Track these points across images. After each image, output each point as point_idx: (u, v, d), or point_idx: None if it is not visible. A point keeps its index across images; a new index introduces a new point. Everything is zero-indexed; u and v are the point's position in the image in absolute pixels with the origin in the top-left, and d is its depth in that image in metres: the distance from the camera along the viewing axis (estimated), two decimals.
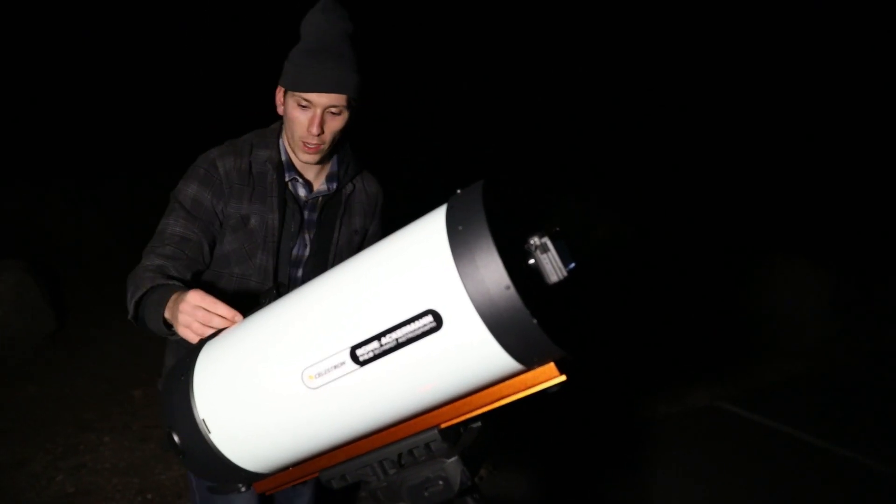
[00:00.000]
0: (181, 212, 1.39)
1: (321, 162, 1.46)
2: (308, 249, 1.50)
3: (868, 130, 7.80)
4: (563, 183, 6.93)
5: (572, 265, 0.67)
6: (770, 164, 7.74)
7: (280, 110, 1.44)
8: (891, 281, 5.40)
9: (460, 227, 0.63)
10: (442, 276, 0.62)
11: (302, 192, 1.48)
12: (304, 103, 1.34)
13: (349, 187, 1.54)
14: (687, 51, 8.85)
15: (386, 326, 0.65)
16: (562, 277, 0.65)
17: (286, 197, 1.46)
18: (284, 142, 1.47)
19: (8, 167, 6.63)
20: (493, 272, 0.60)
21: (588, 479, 3.12)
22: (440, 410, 0.73)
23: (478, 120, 8.72)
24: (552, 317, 0.65)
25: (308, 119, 1.35)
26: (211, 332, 0.97)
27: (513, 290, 0.60)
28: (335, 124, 1.38)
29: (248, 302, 1.00)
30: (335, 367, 0.69)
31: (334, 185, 1.50)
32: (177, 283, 1.25)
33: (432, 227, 0.66)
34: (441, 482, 0.74)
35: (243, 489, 0.90)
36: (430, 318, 0.63)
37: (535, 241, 0.65)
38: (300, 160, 1.44)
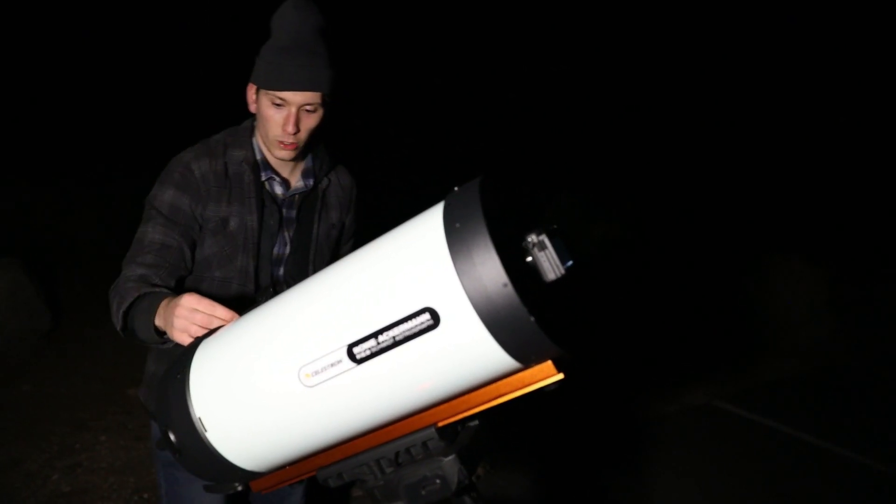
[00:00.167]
0: (159, 218, 1.36)
1: (297, 159, 1.45)
2: (288, 247, 1.49)
3: (866, 130, 7.81)
4: (558, 181, 6.94)
5: (570, 263, 0.67)
6: (769, 163, 7.75)
7: (252, 108, 1.42)
8: (890, 280, 5.42)
9: (458, 225, 0.62)
10: (439, 274, 0.62)
11: (279, 190, 1.46)
12: (278, 101, 1.33)
13: (325, 182, 1.54)
14: (685, 49, 8.86)
15: (383, 324, 0.65)
16: (559, 275, 0.65)
17: (264, 196, 1.44)
18: (258, 140, 1.45)
19: (4, 166, 6.61)
20: (491, 270, 0.60)
21: (585, 477, 3.12)
22: (437, 409, 0.72)
23: (471, 117, 8.72)
24: (550, 315, 0.65)
25: (283, 118, 1.34)
26: (203, 331, 0.97)
27: (510, 287, 0.59)
28: (310, 122, 1.37)
29: (230, 305, 0.99)
30: (332, 364, 0.68)
31: (311, 182, 1.49)
32: (164, 289, 1.24)
33: (429, 224, 0.65)
34: (438, 481, 0.73)
35: (240, 488, 0.89)
36: (427, 315, 0.62)
37: (532, 238, 0.65)
38: (276, 158, 1.42)
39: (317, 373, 0.70)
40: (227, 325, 0.94)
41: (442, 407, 0.72)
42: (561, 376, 0.67)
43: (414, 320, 0.63)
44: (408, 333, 0.64)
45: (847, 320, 5.23)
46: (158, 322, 1.12)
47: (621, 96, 8.94)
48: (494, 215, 0.64)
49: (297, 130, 1.35)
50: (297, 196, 1.48)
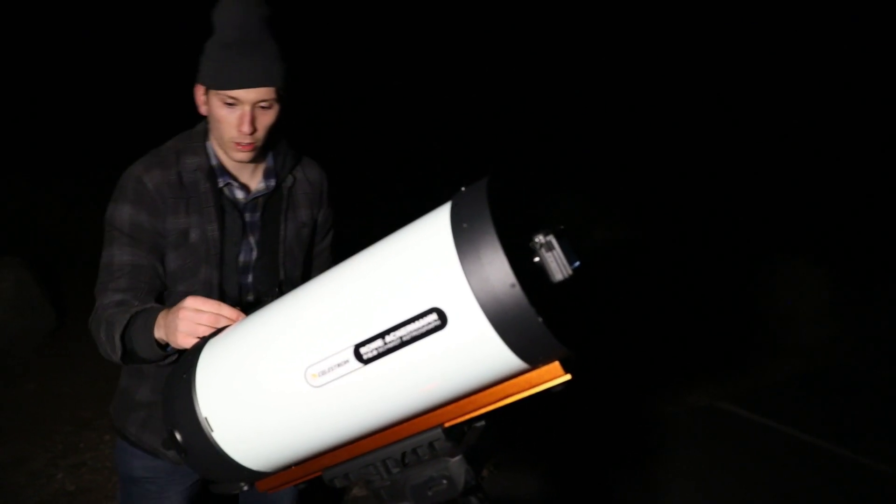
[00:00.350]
0: (123, 238, 1.30)
1: (256, 160, 1.38)
2: (255, 253, 1.42)
3: (867, 130, 7.79)
4: (561, 182, 6.93)
5: (577, 263, 0.67)
6: (772, 163, 7.74)
7: (203, 110, 1.34)
8: (892, 281, 5.40)
9: (465, 225, 0.62)
10: (446, 274, 0.62)
11: (240, 194, 1.38)
12: (230, 101, 1.25)
13: (289, 180, 1.45)
14: (690, 49, 8.84)
15: (390, 324, 0.65)
16: (567, 276, 0.65)
17: (223, 204, 1.36)
18: (212, 144, 1.37)
19: (9, 166, 6.63)
20: (499, 270, 0.60)
21: (589, 478, 3.12)
22: (444, 409, 0.72)
23: (472, 119, 8.72)
24: (557, 315, 0.65)
25: (237, 118, 1.26)
26: (210, 331, 0.97)
27: (518, 288, 0.59)
28: (267, 119, 1.30)
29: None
30: (339, 365, 0.68)
31: (273, 182, 1.41)
32: (155, 305, 1.21)
33: (437, 224, 0.65)
34: (445, 481, 0.73)
35: (245, 488, 0.89)
36: (434, 315, 0.62)
37: (539, 238, 0.65)
38: (233, 160, 1.35)
39: (323, 373, 0.70)
40: (233, 324, 0.94)
41: (448, 407, 0.72)
42: (568, 377, 0.67)
43: (421, 320, 0.63)
44: (415, 334, 0.64)
45: (850, 321, 5.22)
46: (159, 334, 1.10)
47: (623, 96, 8.93)
48: (501, 216, 0.64)
49: (254, 130, 1.27)
50: (259, 199, 1.40)
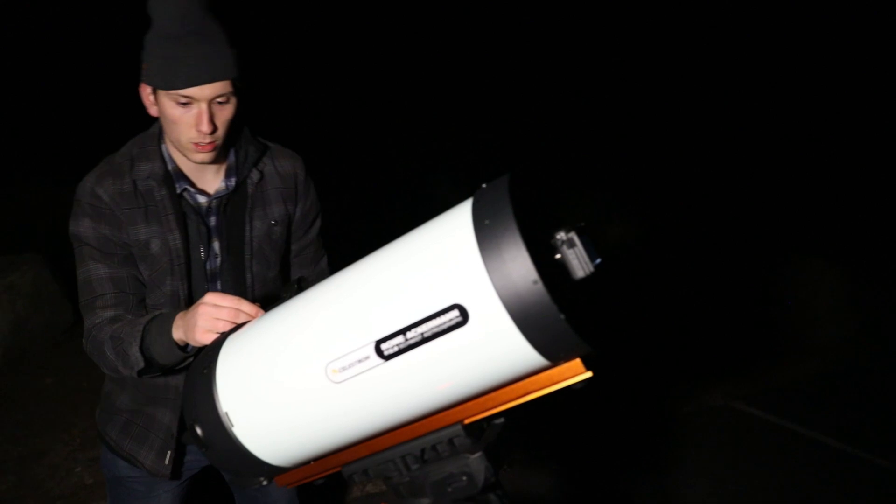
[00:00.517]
0: (94, 253, 1.25)
1: (218, 159, 1.29)
2: (219, 258, 1.34)
3: (888, 128, 7.67)
4: (576, 181, 6.90)
5: (598, 260, 0.67)
6: (791, 161, 7.65)
7: (153, 111, 1.24)
8: None
9: (487, 222, 0.62)
10: (468, 271, 0.61)
11: (202, 198, 1.30)
12: (184, 100, 1.16)
13: (255, 176, 1.35)
14: (708, 49, 8.76)
15: (411, 321, 0.65)
16: (588, 273, 0.65)
17: (184, 210, 1.29)
18: (167, 147, 1.29)
19: (27, 164, 6.72)
20: (521, 267, 0.59)
21: (603, 476, 3.10)
22: (464, 406, 0.72)
23: (490, 118, 8.70)
24: (578, 312, 0.65)
25: (193, 117, 1.17)
26: (230, 326, 0.97)
27: (540, 284, 0.59)
28: (226, 114, 1.21)
29: None
30: (359, 361, 0.68)
31: (233, 181, 1.32)
32: (164, 311, 1.19)
33: (458, 221, 0.65)
34: (465, 478, 0.73)
35: (265, 482, 0.90)
36: (456, 312, 0.62)
37: (561, 235, 0.65)
38: (193, 162, 1.26)
39: (344, 369, 0.70)
40: (253, 320, 0.95)
41: (469, 404, 0.72)
42: (589, 374, 0.67)
43: (442, 317, 0.63)
44: (436, 330, 0.64)
45: (868, 321, 5.14)
46: (178, 335, 1.09)
47: (640, 94, 8.87)
48: (523, 212, 0.64)
49: (214, 128, 1.19)
50: (220, 200, 1.32)
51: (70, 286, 4.86)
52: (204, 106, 1.17)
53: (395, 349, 0.66)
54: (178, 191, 1.29)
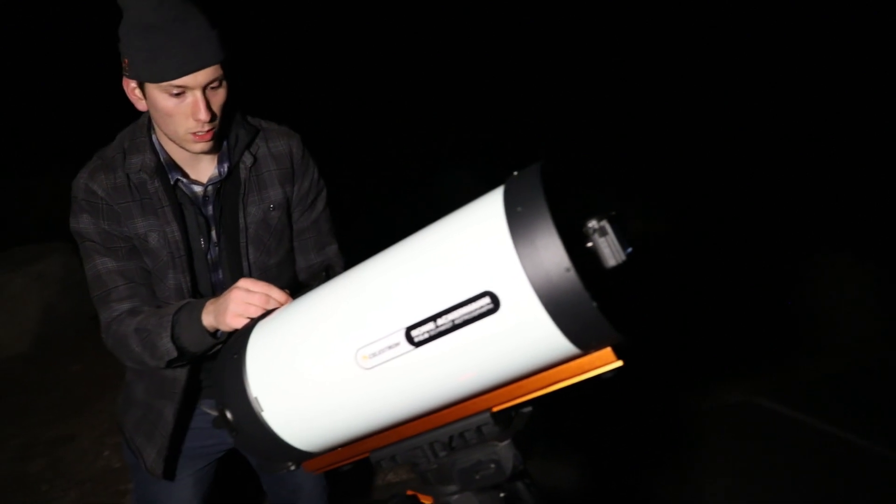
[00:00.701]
0: (98, 248, 1.25)
1: (217, 148, 1.27)
2: (218, 247, 1.33)
3: None
4: (598, 175, 6.84)
5: (629, 249, 0.66)
6: (815, 156, 7.50)
7: (141, 106, 1.21)
8: None
9: (519, 209, 0.62)
10: (500, 258, 0.61)
11: (197, 188, 1.29)
12: (177, 91, 1.13)
13: (248, 160, 1.31)
14: (733, 44, 8.61)
15: (442, 308, 0.65)
16: (620, 261, 0.65)
17: (180, 200, 1.27)
18: (157, 137, 1.26)
19: (58, 155, 6.85)
20: (554, 254, 0.59)
21: (621, 470, 3.09)
22: (493, 393, 0.72)
23: (505, 113, 8.66)
24: (608, 301, 0.64)
25: (189, 107, 1.14)
26: (261, 312, 0.98)
27: (573, 272, 0.59)
28: (220, 98, 1.18)
29: None
30: (389, 347, 0.69)
31: (226, 167, 1.29)
32: (190, 300, 1.19)
33: (490, 208, 0.65)
34: (493, 465, 0.74)
35: (293, 468, 0.91)
36: (487, 299, 0.62)
37: (593, 224, 0.64)
38: (193, 153, 1.24)
39: (374, 355, 0.70)
40: (283, 307, 0.96)
41: (498, 392, 0.72)
42: (620, 363, 0.67)
43: (473, 304, 0.63)
44: (467, 317, 0.64)
45: (892, 318, 5.04)
46: (208, 321, 1.09)
47: (661, 88, 8.76)
48: (555, 200, 0.63)
49: (212, 115, 1.16)
50: (213, 187, 1.29)
51: None
52: (199, 94, 1.14)
53: (426, 336, 0.66)
54: (172, 181, 1.27)
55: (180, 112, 1.15)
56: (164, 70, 1.10)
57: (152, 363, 1.20)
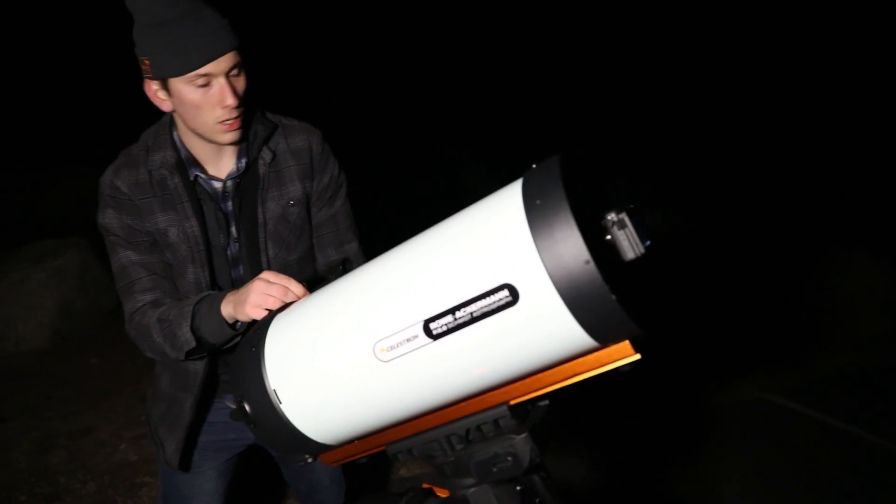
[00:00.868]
0: (122, 242, 1.28)
1: (244, 138, 1.28)
2: (238, 243, 1.34)
3: None
4: (613, 169, 6.80)
5: (648, 242, 0.66)
6: (834, 152, 7.40)
7: (166, 107, 1.23)
8: None
9: (538, 201, 0.62)
10: (519, 250, 0.61)
11: (216, 184, 1.30)
12: (202, 81, 1.15)
13: (266, 155, 1.32)
14: (750, 39, 8.51)
15: (460, 300, 0.65)
16: (639, 254, 0.64)
17: (199, 196, 1.29)
18: (178, 135, 1.29)
19: (75, 152, 6.93)
20: (573, 246, 0.59)
21: (635, 466, 3.08)
22: (510, 386, 0.72)
23: (513, 108, 8.64)
24: (627, 294, 0.64)
25: (217, 94, 1.16)
26: (280, 304, 0.99)
27: (592, 264, 0.59)
28: (242, 84, 1.21)
29: None
30: (408, 340, 0.69)
31: (244, 162, 1.31)
32: (211, 292, 1.21)
33: (508, 200, 0.65)
34: (510, 458, 0.73)
35: (310, 460, 0.91)
36: (506, 292, 0.62)
37: (612, 216, 0.64)
38: (221, 143, 1.25)
39: (392, 348, 0.71)
40: (301, 300, 0.96)
41: (515, 385, 0.72)
42: (638, 357, 0.66)
43: (492, 296, 0.63)
44: (485, 310, 0.64)
45: None
46: (227, 310, 1.11)
47: (678, 82, 8.68)
48: (573, 193, 0.63)
49: (239, 100, 1.19)
50: (231, 183, 1.31)
51: None
52: (223, 80, 1.16)
53: (444, 329, 0.66)
54: (191, 177, 1.29)
55: (208, 102, 1.17)
56: (188, 61, 1.13)
57: (172, 354, 1.21)
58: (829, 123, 7.74)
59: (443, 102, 8.64)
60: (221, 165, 1.32)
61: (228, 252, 1.35)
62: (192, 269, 1.30)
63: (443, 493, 0.86)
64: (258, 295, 1.02)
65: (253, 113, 1.32)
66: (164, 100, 1.23)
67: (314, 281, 1.39)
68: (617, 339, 0.65)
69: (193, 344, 1.17)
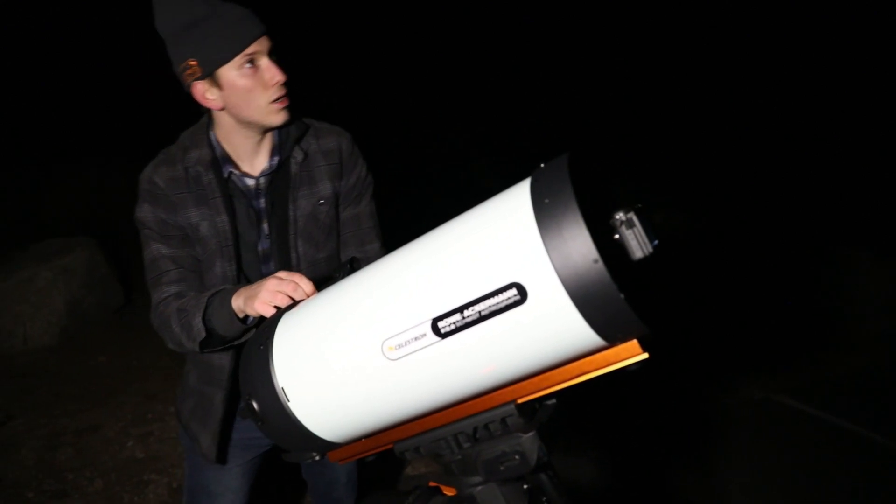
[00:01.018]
0: (155, 235, 1.33)
1: (291, 121, 1.33)
2: (269, 239, 1.38)
3: None
4: (618, 169, 6.79)
5: (656, 241, 0.66)
6: (837, 152, 7.37)
7: (215, 105, 1.28)
8: None
9: (546, 200, 0.62)
10: (528, 249, 0.61)
11: (249, 181, 1.35)
12: (249, 64, 1.22)
13: (298, 155, 1.37)
14: (756, 39, 8.48)
15: (469, 299, 0.65)
16: (647, 253, 0.64)
17: (231, 192, 1.34)
18: (214, 135, 1.35)
19: (81, 151, 6.97)
20: (581, 245, 0.59)
21: (641, 466, 3.08)
22: (518, 385, 0.72)
23: (516, 109, 8.63)
24: (635, 293, 0.64)
25: (266, 73, 1.23)
26: (289, 301, 1.00)
27: (601, 263, 0.59)
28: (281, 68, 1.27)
29: None
30: (416, 338, 0.69)
31: (276, 160, 1.35)
32: (227, 286, 1.24)
33: (517, 199, 0.65)
34: (517, 457, 0.74)
35: (318, 457, 0.92)
36: (514, 290, 0.62)
37: (620, 216, 0.64)
38: (273, 126, 1.30)
39: (400, 346, 0.71)
40: (309, 298, 0.97)
41: (523, 383, 0.72)
42: (646, 356, 0.67)
43: (500, 295, 0.63)
44: (493, 308, 0.64)
45: None
46: (237, 303, 1.13)
47: (683, 83, 8.65)
48: (582, 192, 0.63)
49: (286, 74, 1.25)
50: (263, 180, 1.36)
51: (121, 268, 5.05)
52: (267, 60, 1.24)
53: (452, 327, 0.67)
54: (225, 175, 1.34)
55: (258, 84, 1.23)
56: (235, 43, 1.20)
57: (188, 345, 1.24)
58: (832, 123, 7.71)
59: (443, 103, 8.64)
60: (256, 163, 1.37)
61: (259, 248, 1.39)
62: (220, 262, 1.34)
63: (450, 492, 0.86)
64: (268, 291, 1.04)
65: (295, 100, 1.35)
66: (213, 99, 1.28)
67: (322, 280, 1.41)
68: (625, 338, 0.65)
69: (204, 334, 1.20)
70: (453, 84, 8.92)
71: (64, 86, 7.91)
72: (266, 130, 1.34)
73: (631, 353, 0.66)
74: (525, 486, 0.81)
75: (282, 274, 1.05)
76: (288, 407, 0.83)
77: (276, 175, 1.37)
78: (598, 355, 0.67)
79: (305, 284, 1.02)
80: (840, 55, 8.22)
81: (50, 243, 4.75)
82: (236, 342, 1.24)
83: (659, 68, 8.83)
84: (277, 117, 1.28)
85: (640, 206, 0.66)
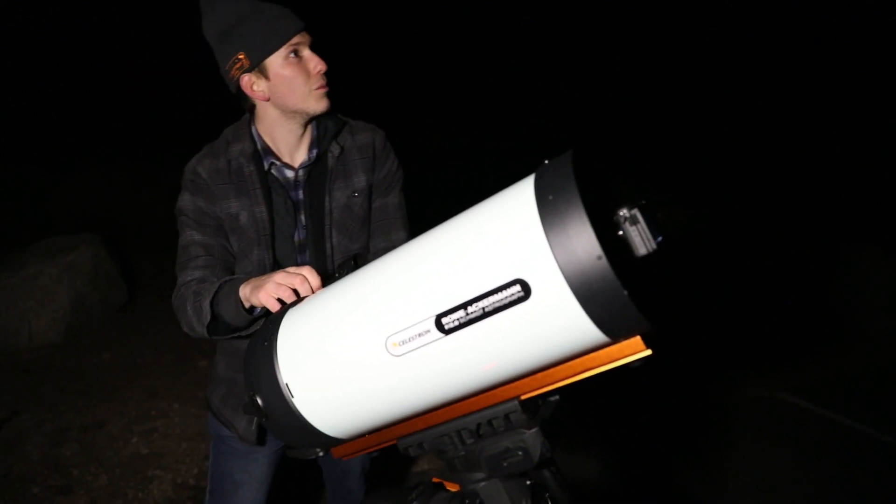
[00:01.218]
0: (191, 223, 1.39)
1: (332, 110, 1.40)
2: (305, 230, 1.44)
3: None
4: (622, 167, 6.78)
5: (660, 238, 0.66)
6: (843, 150, 7.34)
7: (261, 95, 1.36)
8: None
9: (550, 197, 0.62)
10: (532, 246, 0.61)
11: (289, 173, 1.42)
12: (294, 55, 1.31)
13: (335, 149, 1.44)
14: (761, 39, 8.44)
15: (472, 295, 0.65)
16: (651, 250, 0.64)
17: (270, 184, 1.41)
18: (256, 129, 1.42)
19: (86, 150, 6.98)
20: (585, 242, 0.59)
21: (644, 464, 3.08)
22: (521, 381, 0.72)
23: (520, 107, 8.61)
24: (638, 290, 0.64)
25: (309, 62, 1.33)
26: (294, 297, 1.00)
27: (605, 260, 0.59)
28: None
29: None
30: (419, 334, 0.69)
31: (314, 153, 1.43)
32: (240, 275, 1.29)
33: (521, 196, 0.65)
34: (520, 453, 0.74)
35: (321, 453, 0.92)
36: (518, 287, 0.62)
37: (624, 212, 0.64)
38: (317, 112, 1.37)
39: (404, 342, 0.71)
40: (314, 294, 0.97)
41: (526, 380, 0.72)
42: (649, 352, 0.67)
43: (504, 292, 0.63)
44: (497, 305, 0.64)
45: None
46: (244, 292, 1.15)
47: (688, 81, 8.62)
48: (586, 189, 0.63)
49: (326, 63, 1.34)
50: (301, 172, 1.43)
51: (125, 266, 5.07)
52: (309, 51, 1.33)
53: (456, 323, 0.67)
54: (266, 166, 1.40)
55: (302, 72, 1.32)
56: (282, 35, 1.29)
57: (198, 329, 1.28)
58: (833, 122, 7.68)
59: (443, 103, 8.63)
60: (296, 155, 1.43)
61: (295, 238, 1.44)
62: (258, 250, 1.40)
63: (453, 488, 0.87)
64: (274, 284, 1.05)
65: (335, 91, 1.42)
66: (260, 91, 1.35)
67: (327, 276, 1.41)
68: (628, 335, 0.65)
69: (209, 317, 1.23)
70: (454, 84, 8.91)
71: (65, 85, 7.93)
72: (308, 121, 1.41)
73: (634, 350, 0.66)
74: (528, 482, 0.81)
75: (295, 269, 1.06)
76: (292, 403, 0.84)
77: (314, 168, 1.44)
78: (601, 352, 0.68)
79: (313, 279, 1.03)
80: (842, 54, 8.19)
81: (54, 241, 4.76)
82: (244, 333, 1.26)
83: (661, 68, 8.81)
84: (320, 104, 1.36)
85: (643, 202, 0.66)
